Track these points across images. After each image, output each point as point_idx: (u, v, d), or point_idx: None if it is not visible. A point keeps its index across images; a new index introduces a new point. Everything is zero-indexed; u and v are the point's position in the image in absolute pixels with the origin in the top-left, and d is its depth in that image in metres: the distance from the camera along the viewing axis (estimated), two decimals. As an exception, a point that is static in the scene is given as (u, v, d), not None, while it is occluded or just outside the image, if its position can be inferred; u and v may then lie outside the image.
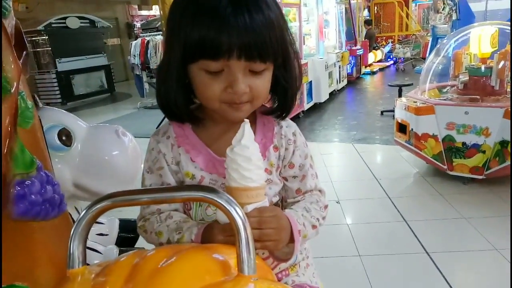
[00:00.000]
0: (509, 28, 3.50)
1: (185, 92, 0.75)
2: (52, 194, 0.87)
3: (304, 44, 6.49)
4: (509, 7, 5.88)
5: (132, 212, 1.88)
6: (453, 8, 7.02)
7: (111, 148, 1.40)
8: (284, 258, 0.78)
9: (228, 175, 0.66)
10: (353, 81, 9.14)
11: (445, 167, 3.12)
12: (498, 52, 3.12)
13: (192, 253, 0.54)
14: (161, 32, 7.90)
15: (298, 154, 0.85)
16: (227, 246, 0.58)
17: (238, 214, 0.50)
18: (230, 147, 0.67)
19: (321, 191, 0.89)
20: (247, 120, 0.67)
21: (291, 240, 0.72)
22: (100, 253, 1.37)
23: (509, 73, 3.12)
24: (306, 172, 0.85)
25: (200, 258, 0.52)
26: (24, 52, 0.86)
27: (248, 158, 0.65)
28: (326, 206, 0.86)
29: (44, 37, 8.90)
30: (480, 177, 3.02)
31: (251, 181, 0.65)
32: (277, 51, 0.70)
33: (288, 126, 0.85)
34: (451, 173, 3.13)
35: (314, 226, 0.79)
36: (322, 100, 6.69)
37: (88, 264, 0.57)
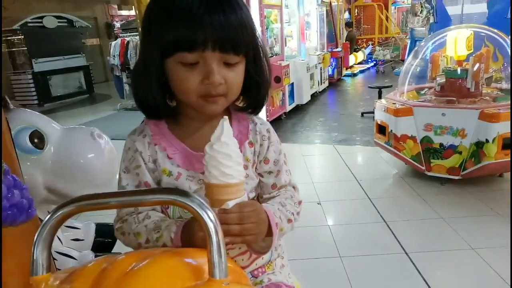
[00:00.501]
0: (484, 31, 3.60)
1: (163, 90, 0.77)
2: (20, 199, 0.83)
3: (285, 45, 6.51)
4: (484, 11, 6.06)
5: (108, 216, 1.84)
6: (431, 11, 7.18)
7: (86, 150, 1.36)
8: (262, 252, 0.79)
9: (207, 172, 0.66)
10: (334, 83, 9.24)
11: (423, 167, 3.18)
12: (474, 55, 3.20)
13: (163, 257, 0.52)
14: (138, 33, 7.80)
15: (272, 150, 0.87)
16: (198, 250, 0.57)
17: (209, 218, 0.49)
18: (209, 144, 0.67)
19: (295, 187, 0.91)
20: (226, 117, 0.68)
21: (269, 233, 0.74)
22: (75, 259, 1.33)
23: (483, 75, 3.20)
24: (280, 168, 0.88)
25: (170, 263, 0.51)
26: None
27: (228, 155, 0.66)
28: (300, 202, 0.88)
29: (19, 37, 8.66)
30: (457, 177, 3.08)
31: (231, 178, 0.66)
32: (248, 46, 0.75)
33: (262, 123, 0.89)
34: (429, 173, 3.18)
35: (289, 220, 0.81)
36: (304, 102, 6.73)
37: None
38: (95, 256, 1.39)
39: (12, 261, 0.83)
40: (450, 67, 3.36)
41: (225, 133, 0.67)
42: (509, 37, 3.42)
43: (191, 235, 0.67)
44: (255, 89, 0.81)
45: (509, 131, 2.74)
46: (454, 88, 3.24)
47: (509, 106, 2.81)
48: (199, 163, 0.77)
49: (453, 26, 3.98)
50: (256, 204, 0.72)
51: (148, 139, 0.81)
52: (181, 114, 0.82)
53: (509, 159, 2.81)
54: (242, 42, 0.72)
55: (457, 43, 3.30)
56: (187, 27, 0.68)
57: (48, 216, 0.50)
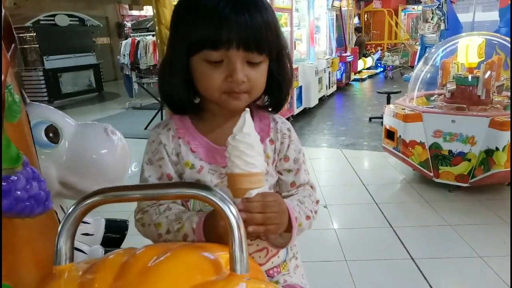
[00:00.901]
0: (496, 39, 3.58)
1: (187, 86, 0.79)
2: (38, 191, 0.84)
3: (295, 49, 6.52)
4: (496, 19, 6.02)
5: (118, 213, 1.85)
6: (442, 18, 7.15)
7: (99, 146, 1.38)
8: (280, 246, 0.79)
9: (230, 162, 0.68)
10: (343, 87, 9.22)
11: (431, 174, 3.16)
12: (485, 63, 3.18)
13: (183, 251, 0.53)
14: (152, 33, 7.84)
15: (292, 148, 0.88)
16: (218, 245, 0.58)
17: (231, 213, 0.49)
18: (232, 136, 0.68)
19: (313, 186, 0.92)
20: (247, 109, 0.70)
21: (287, 229, 0.74)
22: (85, 253, 1.34)
23: (494, 82, 3.18)
24: (300, 166, 0.89)
25: (191, 257, 0.51)
26: (13, 45, 0.84)
27: (251, 145, 0.67)
28: (317, 201, 0.89)
29: (32, 34, 8.76)
30: (465, 185, 3.06)
31: (254, 167, 0.67)
32: (272, 47, 0.76)
33: (283, 122, 0.90)
34: (437, 180, 3.17)
35: (308, 217, 0.82)
36: (312, 105, 6.73)
37: (73, 263, 0.56)
38: (105, 251, 1.40)
39: (28, 251, 0.84)
40: (461, 74, 3.35)
41: (247, 124, 0.68)
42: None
43: (213, 225, 0.67)
44: (277, 88, 0.83)
45: (520, 139, 2.72)
46: (465, 95, 3.22)
47: (520, 115, 2.79)
48: (221, 157, 0.79)
49: (465, 33, 3.96)
50: (277, 195, 0.74)
51: (172, 132, 0.83)
52: (204, 110, 0.84)
53: (519, 168, 2.79)
54: (266, 42, 0.74)
55: (468, 50, 3.29)
56: (212, 26, 0.70)
57: (73, 206, 0.51)
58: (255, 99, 0.82)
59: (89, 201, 0.51)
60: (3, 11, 0.78)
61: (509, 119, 2.79)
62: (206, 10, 0.71)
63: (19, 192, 0.80)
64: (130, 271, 0.48)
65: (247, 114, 0.69)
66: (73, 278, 0.49)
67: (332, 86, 8.23)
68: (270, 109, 0.87)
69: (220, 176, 0.81)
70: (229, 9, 0.69)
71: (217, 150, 0.81)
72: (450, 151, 3.04)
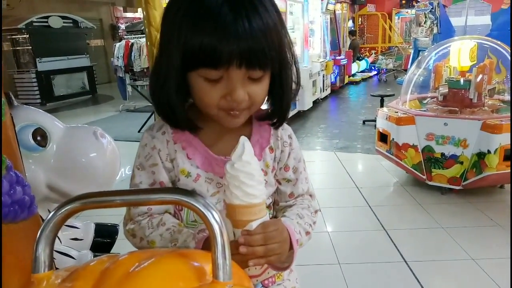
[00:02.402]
0: (488, 43, 3.61)
1: (182, 98, 0.74)
2: (22, 196, 0.83)
3: (289, 52, 6.52)
4: (488, 23, 6.08)
5: (108, 217, 1.83)
6: (435, 22, 7.20)
7: (88, 149, 1.36)
8: (282, 268, 0.77)
9: (229, 192, 0.65)
10: (337, 90, 9.25)
11: (424, 177, 3.17)
12: (477, 66, 3.20)
13: (166, 258, 0.51)
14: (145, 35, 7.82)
15: (293, 157, 0.85)
16: (203, 252, 0.57)
17: (214, 219, 0.48)
18: (230, 163, 0.65)
19: (312, 195, 0.89)
20: (244, 137, 0.66)
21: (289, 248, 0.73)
22: (73, 258, 1.32)
23: (486, 86, 3.21)
24: (298, 176, 0.86)
25: (173, 264, 0.50)
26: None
27: (251, 174, 0.64)
28: (316, 211, 0.86)
29: (25, 36, 8.71)
30: (458, 187, 3.08)
31: (254, 198, 0.64)
32: (274, 58, 0.70)
33: (283, 128, 0.85)
34: (430, 183, 3.18)
35: (307, 233, 0.80)
36: (306, 108, 6.74)
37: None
38: (94, 256, 1.38)
39: (12, 257, 0.82)
40: (453, 78, 3.37)
41: (246, 151, 0.65)
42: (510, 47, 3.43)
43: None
44: (278, 101, 0.77)
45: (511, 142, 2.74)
46: (457, 98, 3.24)
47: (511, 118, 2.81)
48: (218, 167, 0.77)
49: (457, 37, 4.00)
50: (278, 223, 0.70)
51: (167, 136, 0.78)
52: (203, 116, 0.77)
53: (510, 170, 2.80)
54: (268, 56, 0.68)
55: (460, 54, 3.31)
56: (212, 35, 0.63)
57: (52, 212, 0.50)
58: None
59: (68, 207, 0.50)
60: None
61: (501, 122, 2.81)
62: (205, 27, 0.64)
63: (2, 197, 0.78)
64: (110, 278, 0.47)
65: (246, 142, 0.66)
66: (51, 286, 0.48)
67: (326, 89, 8.26)
68: (272, 122, 0.81)
69: (217, 186, 0.78)
70: (228, 25, 0.63)
71: (215, 159, 0.78)
72: (442, 154, 3.06)
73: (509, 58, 3.42)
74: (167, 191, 0.53)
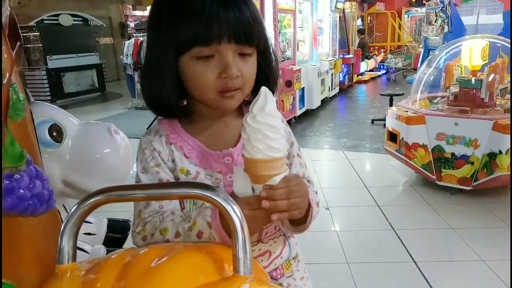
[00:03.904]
0: (499, 42, 3.57)
1: (177, 88, 0.76)
2: (41, 190, 0.84)
3: (298, 50, 6.52)
4: (500, 22, 6.00)
5: (121, 213, 1.85)
6: (445, 21, 7.13)
7: (102, 145, 1.37)
8: (299, 230, 0.77)
9: (250, 146, 0.61)
10: (345, 89, 9.22)
11: (434, 177, 3.15)
12: (489, 65, 3.17)
13: (186, 252, 0.52)
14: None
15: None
16: (222, 245, 0.57)
17: (235, 213, 0.49)
18: (251, 115, 0.62)
19: (310, 181, 0.87)
20: (266, 88, 0.64)
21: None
22: (87, 252, 1.34)
23: (498, 85, 3.17)
24: (292, 160, 0.85)
25: (194, 258, 0.51)
26: (18, 43, 0.84)
27: (274, 127, 0.61)
28: (317, 192, 0.84)
29: (35, 33, 8.78)
30: (468, 188, 3.05)
31: (277, 152, 0.62)
32: (260, 39, 0.76)
33: None
34: (439, 183, 3.16)
35: (317, 203, 0.79)
36: (314, 107, 6.73)
37: (76, 262, 0.56)
38: (107, 251, 1.40)
39: (31, 250, 0.84)
40: (464, 77, 3.34)
41: (269, 103, 0.62)
42: None
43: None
44: (264, 81, 0.79)
45: (523, 143, 2.71)
46: (468, 98, 3.21)
47: (524, 118, 2.78)
48: (215, 162, 0.77)
49: (468, 36, 3.95)
50: (299, 177, 0.69)
51: (164, 138, 0.79)
52: (193, 111, 0.81)
53: (522, 171, 2.77)
54: (255, 33, 0.73)
55: (472, 53, 3.28)
56: (203, 21, 0.69)
57: (76, 206, 0.51)
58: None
59: (91, 200, 0.51)
60: (8, 9, 0.78)
61: (513, 122, 2.78)
62: (194, 8, 0.69)
63: (22, 191, 0.79)
64: (133, 271, 0.48)
65: (268, 93, 0.63)
66: (75, 277, 0.49)
67: (334, 88, 8.23)
68: None
69: (216, 182, 0.78)
70: (217, 5, 0.69)
71: (211, 155, 0.78)
72: (453, 154, 3.04)
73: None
74: (187, 186, 0.54)
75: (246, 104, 0.83)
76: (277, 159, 0.62)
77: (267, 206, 0.61)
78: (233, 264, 0.48)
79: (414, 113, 3.24)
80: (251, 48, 0.74)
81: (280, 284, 0.84)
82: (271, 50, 0.81)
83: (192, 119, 0.81)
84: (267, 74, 0.80)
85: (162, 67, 0.73)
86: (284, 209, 0.63)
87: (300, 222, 0.75)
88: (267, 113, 0.61)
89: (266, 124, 0.61)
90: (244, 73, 0.73)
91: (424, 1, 11.37)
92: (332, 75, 7.83)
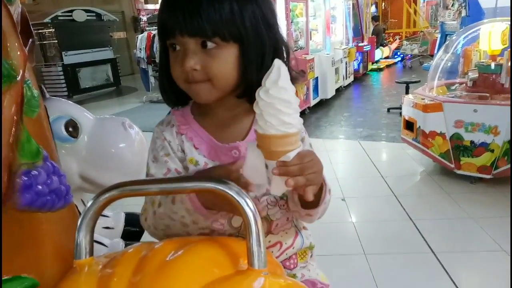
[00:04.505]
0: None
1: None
2: (58, 185, 0.85)
3: (310, 39, 6.44)
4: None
5: (138, 206, 1.88)
6: (463, 5, 6.93)
7: (117, 140, 1.39)
8: (309, 214, 0.76)
9: (263, 121, 0.59)
10: (360, 78, 9.08)
11: (453, 165, 3.09)
12: (509, 49, 3.07)
13: (201, 245, 0.52)
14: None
15: None
16: (236, 239, 0.57)
17: (248, 207, 0.49)
18: (264, 89, 0.59)
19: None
20: (279, 61, 0.62)
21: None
22: (106, 246, 1.36)
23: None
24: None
25: (208, 251, 0.51)
26: (30, 40, 0.85)
27: (288, 102, 0.59)
28: (329, 190, 0.80)
29: (50, 30, 8.90)
30: (488, 176, 2.98)
31: (291, 127, 0.60)
32: (233, 34, 0.70)
33: None
34: (458, 172, 3.09)
35: (329, 191, 0.77)
36: (329, 96, 6.65)
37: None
38: (125, 245, 1.42)
39: (51, 245, 0.85)
40: (483, 62, 3.25)
41: (282, 76, 0.59)
42: None
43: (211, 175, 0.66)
44: (257, 74, 0.72)
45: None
46: (487, 83, 3.13)
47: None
48: (224, 155, 0.77)
49: (487, 20, 3.84)
50: (313, 154, 0.67)
51: (175, 129, 0.81)
52: (204, 108, 0.81)
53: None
54: (226, 26, 0.69)
55: (491, 37, 3.19)
56: (166, 12, 0.71)
57: (92, 201, 0.51)
58: (230, 91, 0.75)
59: (107, 195, 0.51)
60: (20, 6, 0.79)
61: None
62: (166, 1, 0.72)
63: (40, 187, 0.81)
64: (149, 265, 0.48)
65: (282, 66, 0.60)
66: (93, 272, 0.49)
67: (349, 77, 8.12)
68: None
69: None
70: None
71: (220, 148, 0.78)
72: (472, 142, 2.97)
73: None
74: (201, 179, 0.54)
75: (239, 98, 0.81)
76: (291, 135, 0.60)
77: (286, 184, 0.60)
78: (248, 258, 0.47)
79: (431, 100, 3.17)
80: (220, 40, 0.70)
81: (294, 275, 0.84)
82: (261, 47, 0.73)
83: (204, 111, 0.81)
84: (243, 73, 0.74)
85: (161, 58, 0.79)
86: (300, 185, 0.61)
87: (312, 204, 0.73)
88: (280, 86, 0.58)
89: (279, 99, 0.58)
90: (208, 66, 0.70)
91: (440, -15, 11.06)
92: (346, 63, 7.71)
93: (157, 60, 7.31)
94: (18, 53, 0.69)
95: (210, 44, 0.70)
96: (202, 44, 0.70)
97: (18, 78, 0.70)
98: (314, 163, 0.64)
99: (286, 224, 0.84)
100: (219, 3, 0.69)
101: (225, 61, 0.72)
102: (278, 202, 0.81)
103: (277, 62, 0.61)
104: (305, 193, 0.63)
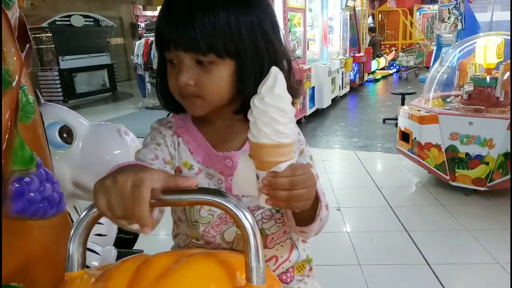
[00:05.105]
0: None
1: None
2: (51, 192, 0.84)
3: (308, 49, 6.48)
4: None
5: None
6: (459, 18, 7.02)
7: (112, 147, 1.37)
8: (305, 223, 0.72)
9: (256, 130, 0.57)
10: (356, 88, 9.13)
11: (448, 177, 3.10)
12: (504, 63, 3.10)
13: (198, 259, 0.51)
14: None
15: None
16: (234, 253, 0.56)
17: (247, 220, 0.47)
18: (259, 97, 0.57)
19: (323, 194, 0.81)
20: (276, 68, 0.60)
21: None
22: (98, 254, 1.34)
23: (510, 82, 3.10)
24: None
25: (206, 265, 0.50)
26: (27, 45, 0.84)
27: (283, 110, 0.57)
28: (327, 206, 0.77)
29: (48, 35, 8.88)
30: (483, 188, 2.99)
31: (285, 137, 0.58)
32: (225, 47, 0.68)
33: None
34: (453, 183, 3.10)
35: (327, 206, 0.74)
36: (325, 106, 6.68)
37: (87, 266, 0.55)
38: (117, 252, 1.40)
39: (41, 253, 0.83)
40: (478, 75, 3.27)
41: (278, 84, 0.57)
42: None
43: None
44: (239, 95, 0.73)
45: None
46: (483, 96, 3.15)
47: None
48: (219, 164, 0.76)
49: (483, 33, 3.88)
50: (307, 167, 0.63)
51: (174, 129, 0.81)
52: (205, 116, 0.79)
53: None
54: (221, 42, 0.67)
55: (487, 50, 3.21)
56: (163, 24, 0.70)
57: (85, 212, 0.50)
58: (225, 104, 0.74)
59: (101, 206, 0.49)
60: (17, 11, 0.78)
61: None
62: (164, 11, 0.71)
63: (32, 194, 0.79)
64: (144, 279, 0.47)
65: (278, 73, 0.58)
66: (85, 285, 0.48)
67: (345, 87, 8.16)
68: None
69: (218, 182, 0.78)
70: (184, 10, 0.67)
71: (215, 155, 0.77)
72: (467, 154, 2.98)
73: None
74: (198, 192, 0.53)
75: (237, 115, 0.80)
76: (284, 145, 0.58)
77: (265, 193, 0.57)
78: (246, 273, 0.46)
79: (427, 112, 3.19)
80: (205, 57, 0.68)
81: None
82: (259, 62, 0.71)
83: (203, 118, 0.80)
84: (240, 88, 0.72)
85: (159, 66, 0.78)
86: (283, 199, 0.58)
87: (306, 220, 0.70)
88: (276, 94, 0.57)
89: (274, 107, 0.56)
90: (202, 82, 0.69)
91: (436, -2, 11.21)
92: (342, 73, 7.76)
93: (154, 66, 7.34)
94: (15, 58, 0.68)
95: (205, 59, 0.69)
96: (197, 60, 0.69)
97: (14, 83, 0.69)
98: (306, 178, 0.60)
99: (282, 236, 0.83)
100: (214, 15, 0.66)
101: (220, 77, 0.70)
102: (273, 216, 0.79)
103: (274, 69, 0.59)
104: (289, 209, 0.61)
